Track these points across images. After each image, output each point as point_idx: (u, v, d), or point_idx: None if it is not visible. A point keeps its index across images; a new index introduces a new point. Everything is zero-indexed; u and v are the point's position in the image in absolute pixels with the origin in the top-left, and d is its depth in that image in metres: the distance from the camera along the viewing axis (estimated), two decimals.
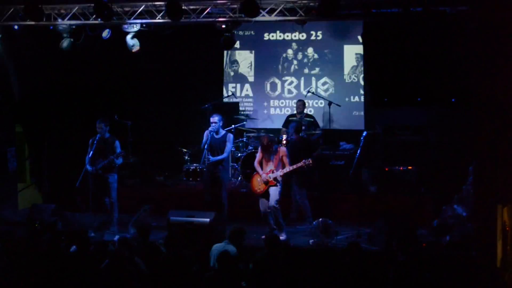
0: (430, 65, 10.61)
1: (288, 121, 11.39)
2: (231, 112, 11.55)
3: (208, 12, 9.53)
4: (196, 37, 11.36)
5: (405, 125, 11.04)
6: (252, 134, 11.28)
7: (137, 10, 9.59)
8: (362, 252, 6.48)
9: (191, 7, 9.48)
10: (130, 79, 11.78)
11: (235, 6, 9.41)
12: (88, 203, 9.38)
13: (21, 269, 6.49)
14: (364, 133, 8.99)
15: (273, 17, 9.38)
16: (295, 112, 11.40)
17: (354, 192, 9.20)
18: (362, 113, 12.02)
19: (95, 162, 9.11)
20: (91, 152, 9.13)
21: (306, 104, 11.39)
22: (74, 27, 10.00)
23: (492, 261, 7.02)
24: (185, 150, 11.35)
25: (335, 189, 9.75)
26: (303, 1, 9.26)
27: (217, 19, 9.70)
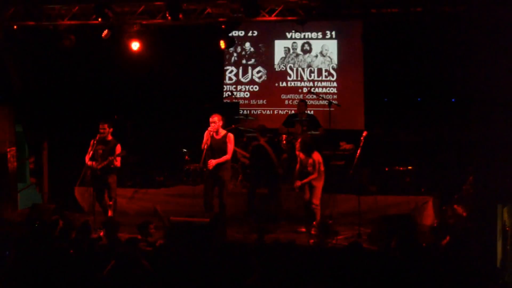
0: (430, 65, 10.62)
1: (289, 121, 11.40)
2: (231, 112, 11.55)
3: (208, 12, 9.54)
4: (196, 37, 11.36)
5: (405, 125, 11.04)
6: (252, 134, 11.28)
7: (137, 10, 9.60)
8: (363, 252, 6.47)
9: (191, 7, 9.49)
10: (130, 79, 11.78)
11: (235, 6, 9.42)
12: (88, 203, 9.37)
13: (21, 269, 6.48)
14: (364, 133, 8.98)
15: (273, 17, 9.40)
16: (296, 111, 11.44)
17: (354, 192, 9.19)
18: (362, 113, 12.03)
19: (95, 162, 9.10)
20: (91, 152, 9.12)
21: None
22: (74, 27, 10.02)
23: (492, 261, 7.02)
24: (185, 150, 11.34)
25: (335, 189, 9.75)
26: (303, 1, 9.27)
27: (217, 19, 9.71)
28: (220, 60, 12.58)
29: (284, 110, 11.63)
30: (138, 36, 10.21)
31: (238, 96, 11.93)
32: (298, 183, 8.99)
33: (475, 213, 8.51)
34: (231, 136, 9.01)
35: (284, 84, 11.59)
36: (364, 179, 10.24)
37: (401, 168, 10.10)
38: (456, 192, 9.37)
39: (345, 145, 10.65)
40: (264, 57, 11.64)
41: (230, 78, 11.61)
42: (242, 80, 11.49)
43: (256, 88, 11.54)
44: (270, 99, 11.58)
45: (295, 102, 11.61)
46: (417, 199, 9.81)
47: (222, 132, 8.99)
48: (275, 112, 11.98)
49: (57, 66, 11.01)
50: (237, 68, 11.56)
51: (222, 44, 9.99)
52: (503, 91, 8.07)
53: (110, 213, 9.19)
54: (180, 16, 9.28)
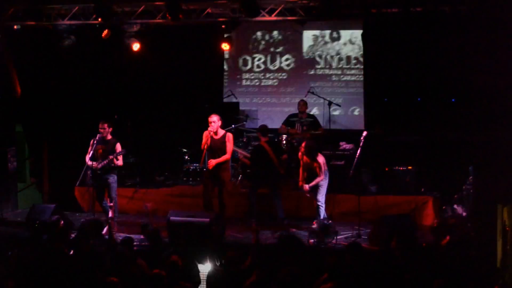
0: (430, 65, 10.61)
1: (289, 120, 11.39)
2: (231, 112, 11.55)
3: (208, 12, 9.55)
4: (196, 37, 11.37)
5: (405, 125, 11.03)
6: (252, 134, 11.27)
7: (137, 10, 9.61)
8: (362, 252, 6.48)
9: (191, 7, 9.51)
10: (130, 79, 11.78)
11: (235, 6, 9.43)
12: (88, 203, 9.36)
13: (22, 269, 6.49)
14: (364, 133, 8.97)
15: (273, 17, 9.40)
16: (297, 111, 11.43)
17: (354, 192, 9.20)
18: (362, 113, 12.04)
19: (95, 162, 9.09)
20: (91, 152, 9.12)
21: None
22: (74, 27, 10.05)
23: (492, 261, 7.02)
24: (185, 150, 11.35)
25: (335, 189, 9.75)
26: (303, 1, 9.28)
27: (217, 19, 9.72)
28: (220, 60, 12.59)
29: (313, 98, 11.54)
30: (138, 36, 10.22)
31: (266, 84, 11.79)
32: (307, 187, 9.00)
33: (475, 213, 8.51)
34: (230, 135, 9.02)
35: (313, 71, 11.59)
36: (364, 179, 10.24)
37: (401, 168, 10.09)
38: (456, 192, 9.37)
39: (345, 145, 10.64)
40: (293, 44, 11.61)
41: (258, 66, 11.60)
42: (270, 67, 11.52)
43: (284, 75, 11.55)
44: (299, 87, 11.47)
45: (324, 90, 11.54)
46: (417, 199, 9.81)
47: (221, 132, 8.99)
48: (305, 99, 11.61)
49: (57, 66, 11.01)
50: (265, 56, 11.55)
51: (226, 46, 10.00)
52: (503, 91, 8.07)
53: (111, 214, 9.19)
54: (180, 16, 9.28)
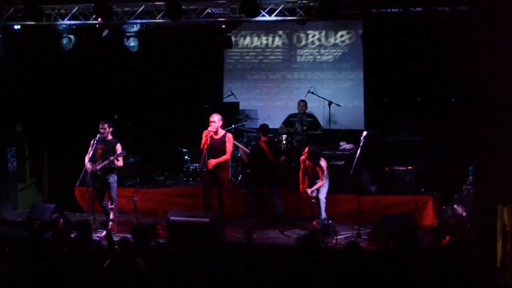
0: (430, 65, 10.62)
1: (288, 120, 11.39)
2: (231, 112, 11.55)
3: (208, 12, 9.56)
4: (196, 37, 11.37)
5: (405, 125, 11.04)
6: (253, 134, 11.27)
7: (137, 10, 9.61)
8: (361, 252, 6.48)
9: (191, 7, 9.51)
10: (130, 79, 11.78)
11: (235, 6, 9.44)
12: (88, 203, 9.36)
13: (22, 269, 6.49)
14: (364, 133, 8.97)
15: (273, 17, 9.40)
16: (297, 111, 11.43)
17: (354, 192, 9.20)
18: (362, 113, 12.03)
19: (95, 162, 9.08)
20: (91, 152, 9.11)
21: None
22: (74, 27, 10.06)
23: (492, 261, 7.02)
24: (185, 150, 11.35)
25: (335, 189, 9.76)
26: (303, 1, 9.28)
27: (217, 19, 9.73)
28: (220, 60, 12.59)
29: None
30: (138, 36, 10.22)
31: (321, 59, 11.78)
32: (312, 194, 9.00)
33: (475, 213, 8.51)
34: (230, 136, 9.01)
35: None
36: (364, 179, 10.24)
37: (401, 168, 10.10)
38: (456, 192, 9.37)
39: (345, 145, 10.64)
40: (348, 20, 11.56)
41: (312, 42, 11.59)
42: (325, 44, 11.56)
43: (339, 52, 11.57)
44: (355, 63, 11.49)
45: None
46: (417, 199, 9.81)
47: (221, 132, 8.98)
48: (359, 76, 11.81)
49: (57, 66, 11.02)
50: (320, 32, 11.54)
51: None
52: (503, 91, 8.06)
53: (112, 216, 9.18)
54: (180, 16, 9.28)
